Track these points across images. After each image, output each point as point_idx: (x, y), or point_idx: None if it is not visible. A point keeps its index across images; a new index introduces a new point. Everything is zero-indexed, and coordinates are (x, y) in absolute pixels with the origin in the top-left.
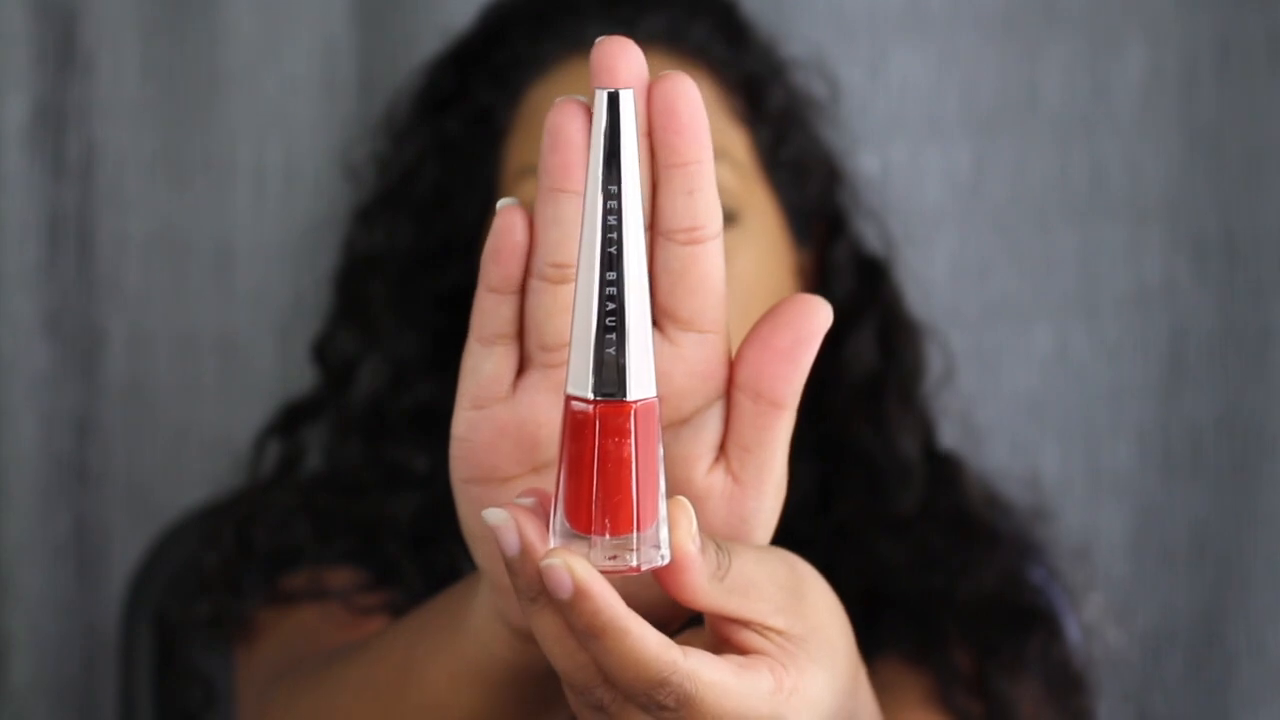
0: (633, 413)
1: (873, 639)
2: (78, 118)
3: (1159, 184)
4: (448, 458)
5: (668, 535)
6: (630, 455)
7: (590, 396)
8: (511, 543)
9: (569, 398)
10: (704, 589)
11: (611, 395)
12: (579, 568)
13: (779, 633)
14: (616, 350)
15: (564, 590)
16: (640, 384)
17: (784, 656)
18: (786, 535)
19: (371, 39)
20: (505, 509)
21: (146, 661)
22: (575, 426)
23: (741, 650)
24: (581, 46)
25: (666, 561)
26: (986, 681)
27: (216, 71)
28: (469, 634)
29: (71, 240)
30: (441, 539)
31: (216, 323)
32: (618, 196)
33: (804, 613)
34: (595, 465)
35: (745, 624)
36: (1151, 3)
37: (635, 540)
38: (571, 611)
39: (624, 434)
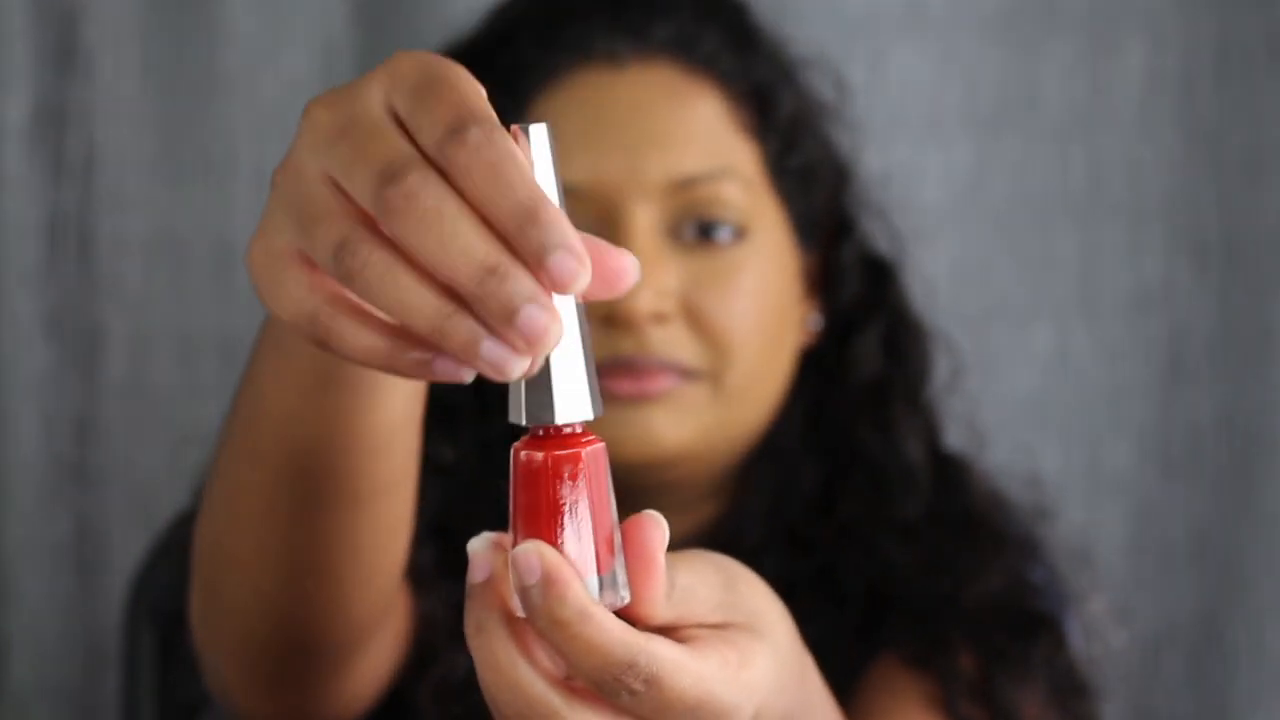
0: (583, 456)
1: (876, 641)
2: (78, 118)
3: (1159, 184)
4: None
5: (625, 576)
6: (583, 499)
7: (524, 424)
8: (483, 568)
9: (517, 448)
10: (659, 615)
11: (548, 420)
12: (548, 554)
13: (717, 626)
14: (544, 372)
15: (532, 575)
16: (576, 407)
17: (726, 634)
18: (790, 537)
19: (371, 39)
20: (485, 536)
21: (147, 661)
22: (527, 475)
23: (684, 641)
24: (590, 55)
25: (627, 602)
26: (992, 686)
27: (216, 71)
28: (282, 338)
29: (71, 240)
30: (465, 529)
31: (216, 323)
32: None
33: (737, 603)
34: (549, 512)
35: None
36: (1151, 3)
37: (595, 583)
38: (540, 597)
39: (575, 478)
